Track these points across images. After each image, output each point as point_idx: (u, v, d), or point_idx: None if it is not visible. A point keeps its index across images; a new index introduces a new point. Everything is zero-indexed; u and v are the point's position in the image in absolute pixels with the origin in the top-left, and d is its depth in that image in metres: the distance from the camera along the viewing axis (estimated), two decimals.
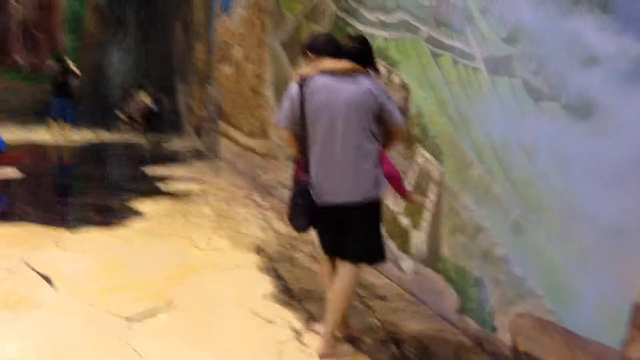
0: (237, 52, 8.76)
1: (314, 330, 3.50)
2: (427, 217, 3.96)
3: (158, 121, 13.76)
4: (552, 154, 2.84)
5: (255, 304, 3.87)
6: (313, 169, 3.03)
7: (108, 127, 12.81)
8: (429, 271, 3.92)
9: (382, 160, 3.09)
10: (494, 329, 3.21)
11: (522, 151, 3.03)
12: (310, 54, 3.17)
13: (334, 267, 3.21)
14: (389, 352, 3.35)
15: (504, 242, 3.16)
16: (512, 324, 3.08)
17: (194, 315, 3.67)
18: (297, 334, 3.48)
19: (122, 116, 14.33)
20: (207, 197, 6.95)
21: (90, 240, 5.00)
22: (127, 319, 3.53)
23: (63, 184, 8.06)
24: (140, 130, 13.08)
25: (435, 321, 3.75)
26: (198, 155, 10.18)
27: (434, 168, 3.88)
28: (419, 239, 4.03)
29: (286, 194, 6.69)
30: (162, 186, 7.37)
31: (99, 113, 14.35)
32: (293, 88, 3.06)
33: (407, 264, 4.17)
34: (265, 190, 7.32)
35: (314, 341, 3.36)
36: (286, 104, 3.09)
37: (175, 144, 11.40)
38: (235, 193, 7.24)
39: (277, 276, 4.41)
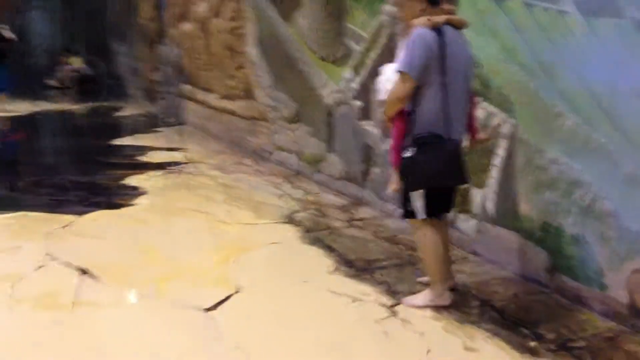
0: (201, 8, 8.12)
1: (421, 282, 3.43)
2: (494, 174, 3.75)
3: (94, 87, 12.77)
4: None
5: (326, 281, 3.59)
6: (458, 118, 2.96)
7: (37, 97, 11.69)
8: (500, 230, 3.75)
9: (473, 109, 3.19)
10: (603, 287, 3.08)
11: (635, 98, 2.84)
12: (416, 3, 2.91)
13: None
14: (488, 315, 3.17)
15: (613, 196, 3.00)
16: (629, 280, 2.95)
17: (270, 297, 3.36)
18: (391, 309, 3.23)
19: (52, 83, 13.19)
20: (197, 166, 6.48)
21: (103, 224, 4.50)
22: (203, 309, 3.14)
23: (31, 160, 7.21)
24: (75, 98, 12.07)
25: (518, 282, 3.59)
26: (157, 121, 9.50)
27: (501, 121, 3.66)
28: (484, 197, 3.82)
29: (284, 157, 6.36)
30: (143, 158, 6.81)
31: (25, 82, 13.11)
32: (430, 36, 2.79)
33: (468, 224, 3.97)
34: (257, 155, 6.92)
35: (412, 315, 3.12)
36: (420, 51, 2.78)
37: (125, 111, 10.60)
38: (224, 160, 6.80)
39: (327, 247, 4.12)
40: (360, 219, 4.75)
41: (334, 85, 5.41)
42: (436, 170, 2.89)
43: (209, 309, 3.18)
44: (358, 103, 5.10)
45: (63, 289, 3.34)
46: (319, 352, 2.78)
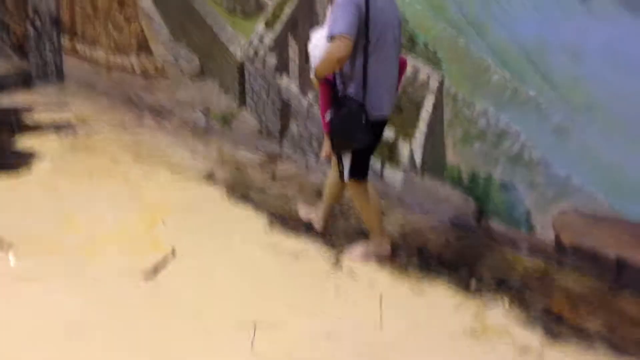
0: None
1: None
2: (422, 127, 3.88)
3: None
4: (603, 54, 2.90)
5: (264, 239, 3.55)
6: (377, 80, 2.91)
7: None
8: (428, 181, 3.90)
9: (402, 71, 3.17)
10: (531, 229, 3.33)
11: (564, 53, 3.05)
12: None
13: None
14: (427, 261, 3.33)
15: (542, 146, 3.22)
16: (555, 221, 3.21)
17: (210, 260, 3.28)
18: (335, 263, 3.27)
19: None
20: (93, 125, 6.05)
21: (5, 192, 4.10)
22: (142, 276, 3.00)
23: None
24: None
25: (448, 229, 3.78)
26: (31, 79, 8.70)
27: (428, 76, 3.77)
28: (412, 150, 3.95)
29: (189, 114, 6.13)
30: (27, 119, 6.23)
31: None
32: None
33: (395, 176, 4.10)
34: (156, 112, 6.59)
35: (356, 267, 3.20)
36: (353, 10, 2.74)
37: None
38: (121, 118, 6.41)
39: (255, 205, 4.06)
40: (283, 176, 4.72)
41: (244, 40, 5.24)
42: (344, 132, 2.92)
43: (148, 275, 3.02)
44: (273, 59, 4.99)
45: None
46: (278, 313, 2.76)
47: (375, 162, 4.23)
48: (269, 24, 4.98)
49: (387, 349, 2.50)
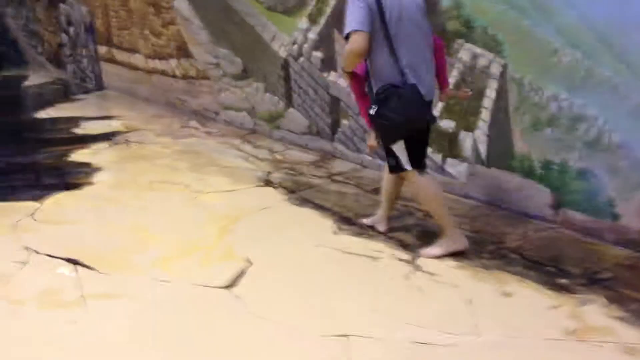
0: None
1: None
2: (485, 116, 3.77)
3: None
4: None
5: (335, 242, 3.50)
6: (412, 66, 2.93)
7: None
8: (495, 171, 3.79)
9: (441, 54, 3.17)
10: (616, 217, 3.21)
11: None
12: None
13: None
14: (508, 258, 3.23)
15: (621, 128, 3.09)
16: None
17: (286, 266, 3.24)
18: (412, 263, 3.20)
19: None
20: (142, 133, 6.09)
21: (71, 207, 4.14)
22: (224, 286, 2.98)
23: None
24: None
25: (522, 220, 3.67)
26: (72, 88, 8.80)
27: (489, 62, 3.65)
28: (475, 140, 3.85)
29: (234, 116, 6.10)
30: (78, 130, 6.30)
31: None
32: None
33: (458, 168, 4.00)
34: (200, 116, 6.60)
35: (436, 267, 3.13)
36: (361, 5, 2.82)
37: (32, 79, 9.73)
38: (169, 125, 6.43)
39: (319, 207, 4.03)
40: (339, 173, 4.67)
41: (287, 37, 5.17)
42: (401, 117, 2.94)
43: (229, 286, 3.00)
44: (319, 54, 4.92)
45: (62, 284, 3.05)
46: (367, 320, 2.70)
47: (434, 155, 4.14)
48: (312, 19, 4.89)
49: (487, 357, 2.43)
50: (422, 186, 3.17)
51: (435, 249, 3.27)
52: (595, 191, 3.28)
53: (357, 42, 2.81)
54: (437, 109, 3.99)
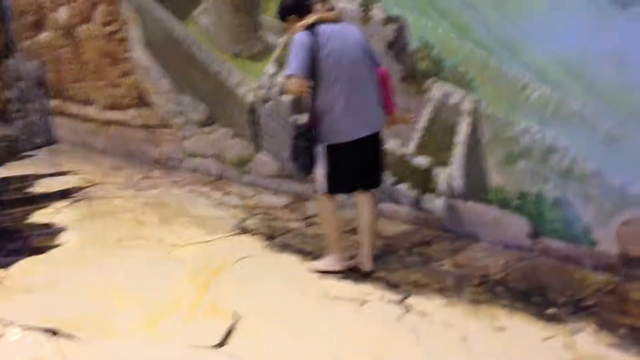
0: (62, 15, 7.38)
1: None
2: (459, 151, 3.84)
3: None
4: None
5: (322, 287, 3.45)
6: (337, 109, 3.19)
7: None
8: (472, 205, 3.85)
9: (385, 84, 3.37)
10: (593, 243, 3.28)
11: (607, 62, 3.04)
12: (292, 17, 3.31)
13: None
14: (494, 291, 3.26)
15: (593, 157, 3.19)
16: (618, 233, 3.17)
17: (276, 318, 3.16)
18: (402, 304, 3.19)
19: None
20: (103, 188, 5.93)
21: (40, 273, 3.96)
22: (213, 345, 2.88)
23: None
24: None
25: (502, 251, 3.73)
26: (21, 144, 8.52)
27: (461, 99, 3.74)
28: (450, 175, 3.90)
29: (199, 163, 6.03)
30: (35, 189, 6.08)
31: None
32: (306, 37, 3.15)
33: (434, 203, 4.04)
34: (163, 165, 6.48)
35: (426, 306, 3.13)
36: (302, 52, 3.11)
37: None
38: (130, 176, 6.29)
39: (300, 252, 3.97)
40: (315, 215, 4.63)
41: (254, 82, 5.18)
42: (296, 155, 3.35)
43: (220, 344, 2.91)
44: (287, 97, 4.93)
45: (44, 357, 2.87)
46: None
47: (410, 191, 4.18)
48: (279, 63, 4.92)
49: None
50: (326, 207, 3.48)
51: (319, 265, 3.62)
52: (572, 219, 3.36)
53: (293, 84, 3.14)
54: (411, 146, 4.04)
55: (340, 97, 3.18)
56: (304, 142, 3.28)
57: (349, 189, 3.46)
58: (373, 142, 3.34)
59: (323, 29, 3.19)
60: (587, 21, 3.09)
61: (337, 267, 3.54)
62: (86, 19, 6.95)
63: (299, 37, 3.17)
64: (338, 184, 3.37)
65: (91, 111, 7.51)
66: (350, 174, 3.35)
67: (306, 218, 4.60)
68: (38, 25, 7.89)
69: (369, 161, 3.37)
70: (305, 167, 3.35)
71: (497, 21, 3.46)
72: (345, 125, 3.21)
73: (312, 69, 3.14)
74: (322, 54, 3.14)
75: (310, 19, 3.23)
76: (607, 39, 3.01)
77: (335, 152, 3.27)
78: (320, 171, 3.36)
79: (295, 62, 3.13)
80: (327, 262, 3.57)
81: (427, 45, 3.81)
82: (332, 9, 4.00)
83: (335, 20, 3.31)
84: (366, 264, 3.53)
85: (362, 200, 3.46)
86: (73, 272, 3.90)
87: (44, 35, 7.87)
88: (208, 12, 5.37)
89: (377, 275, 3.53)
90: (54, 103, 8.23)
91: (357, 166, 3.34)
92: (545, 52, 3.26)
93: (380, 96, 3.33)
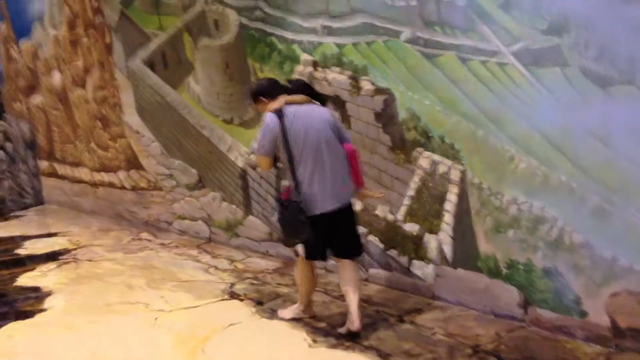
0: (56, 79, 7.50)
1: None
2: (448, 219, 3.90)
3: None
4: (631, 136, 2.99)
5: (313, 356, 3.44)
6: (306, 184, 3.42)
7: None
8: (462, 272, 3.88)
9: (353, 160, 3.57)
10: (583, 314, 3.31)
11: (591, 137, 3.15)
12: (263, 99, 3.60)
13: (313, 269, 3.73)
14: None
15: (582, 228, 3.26)
16: (608, 304, 3.20)
17: None
18: None
19: None
20: (91, 250, 5.89)
21: (25, 339, 3.90)
22: None
23: None
24: None
25: (493, 321, 3.73)
26: (9, 205, 8.46)
27: (449, 169, 3.83)
28: (440, 242, 3.95)
29: (188, 225, 6.03)
30: (22, 251, 6.03)
31: None
32: (272, 120, 3.44)
33: (425, 270, 4.07)
34: (152, 227, 6.47)
35: None
36: (268, 134, 3.43)
37: None
38: (119, 238, 6.27)
39: (290, 319, 3.93)
40: None
41: (244, 147, 5.27)
42: (289, 228, 3.52)
43: None
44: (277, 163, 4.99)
45: None
46: None
47: (400, 257, 4.21)
48: None
49: None
50: (303, 267, 3.72)
51: (287, 312, 3.92)
52: (562, 289, 3.39)
53: (260, 163, 3.55)
54: (400, 213, 4.10)
55: (308, 172, 3.41)
56: (283, 212, 3.48)
57: (325, 256, 3.63)
58: (345, 214, 3.52)
59: (289, 110, 3.44)
60: (568, 97, 3.21)
61: (302, 315, 3.85)
62: (79, 84, 7.06)
63: (267, 118, 3.46)
64: (314, 251, 3.59)
65: (80, 173, 7.53)
66: (325, 243, 3.55)
67: (294, 283, 4.56)
68: (31, 88, 7.99)
69: (343, 232, 3.56)
70: (289, 235, 3.58)
71: (482, 95, 3.57)
72: (315, 198, 3.41)
73: (284, 147, 3.40)
74: (289, 133, 3.39)
75: (280, 100, 3.50)
76: (588, 115, 3.13)
77: (311, 223, 3.42)
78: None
79: (262, 142, 3.46)
80: (294, 309, 3.87)
81: (415, 117, 3.92)
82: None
83: (302, 103, 3.52)
84: (355, 324, 3.55)
85: (343, 266, 3.60)
86: (58, 339, 3.84)
87: (36, 98, 7.96)
88: (201, 80, 5.50)
89: (368, 344, 3.51)
90: (43, 164, 8.24)
91: (331, 236, 3.53)
92: (530, 126, 3.38)
93: (349, 171, 3.53)
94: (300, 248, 3.63)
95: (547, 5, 3.24)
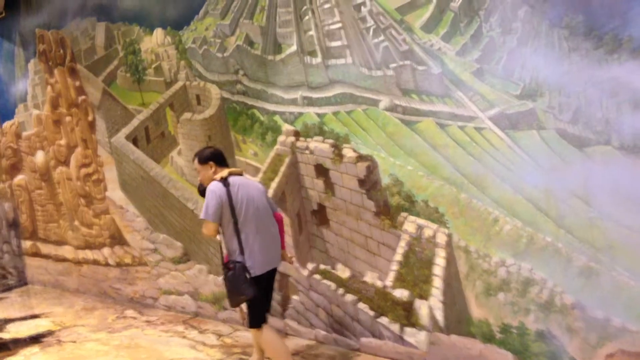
0: (39, 158, 7.51)
1: None
2: (437, 283, 3.87)
3: None
4: (612, 196, 3.03)
5: None
6: (249, 247, 3.65)
7: None
8: (455, 338, 3.82)
9: (282, 225, 3.95)
10: None
11: (573, 198, 3.18)
12: (210, 163, 3.85)
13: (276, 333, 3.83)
14: None
15: (572, 289, 3.24)
16: None
17: None
18: None
19: None
20: (75, 331, 5.73)
21: None
22: None
23: None
24: None
25: None
26: None
27: (434, 232, 3.83)
28: (431, 308, 3.90)
29: (173, 300, 5.92)
30: (3, 335, 5.85)
31: None
32: (219, 188, 3.67)
33: (417, 337, 4.00)
34: (137, 303, 6.34)
35: None
36: (214, 201, 3.63)
37: None
38: (103, 317, 6.12)
39: None
40: (296, 353, 4.52)
41: None
42: (234, 288, 3.61)
43: None
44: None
45: None
46: None
47: (392, 325, 4.14)
48: None
49: None
50: (265, 340, 3.78)
51: None
52: (557, 352, 3.34)
53: (206, 228, 3.70)
54: (389, 279, 4.06)
55: (251, 237, 3.67)
56: (228, 273, 3.64)
57: (266, 316, 3.84)
58: (273, 275, 3.84)
59: (233, 180, 3.73)
60: (547, 159, 3.26)
61: None
62: (63, 162, 7.06)
63: (214, 186, 3.68)
64: (260, 311, 3.79)
65: (63, 251, 7.42)
66: (264, 302, 3.81)
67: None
68: (14, 168, 7.97)
69: (270, 291, 3.90)
70: (235, 294, 3.65)
71: (463, 158, 3.61)
72: (256, 260, 3.66)
73: (231, 213, 3.64)
74: (234, 200, 3.66)
75: (224, 172, 3.77)
76: (569, 176, 3.17)
77: (258, 283, 3.64)
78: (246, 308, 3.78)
79: (208, 208, 3.64)
80: None
81: (398, 182, 3.95)
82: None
83: (239, 174, 3.84)
84: None
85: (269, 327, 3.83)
86: None
87: (20, 178, 7.93)
88: (184, 152, 5.53)
89: None
90: (26, 244, 8.13)
91: (266, 296, 3.82)
92: (513, 189, 3.41)
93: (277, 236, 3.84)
94: (249, 319, 3.76)
95: (518, 71, 3.33)
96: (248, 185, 3.81)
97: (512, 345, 3.54)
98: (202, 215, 3.65)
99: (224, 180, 3.71)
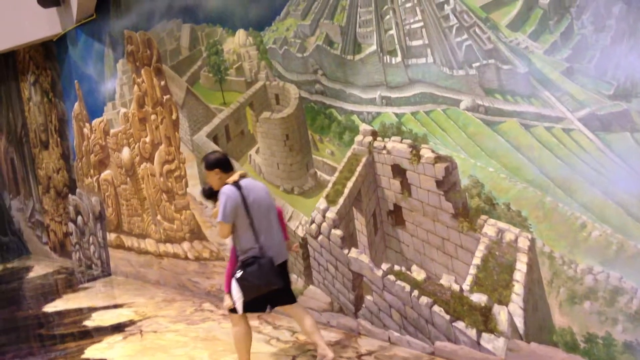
0: (124, 154, 7.83)
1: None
2: (517, 289, 3.75)
3: None
4: None
5: None
6: (266, 243, 3.99)
7: None
8: (535, 346, 3.69)
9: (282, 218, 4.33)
10: None
11: None
12: (217, 169, 4.09)
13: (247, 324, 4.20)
14: None
15: None
16: None
17: None
18: None
19: None
20: (155, 321, 5.95)
21: None
22: None
23: None
24: None
25: None
26: (79, 277, 8.75)
27: (516, 237, 3.71)
28: (511, 314, 3.79)
29: None
30: (89, 323, 6.14)
31: None
32: (233, 191, 3.96)
33: (495, 343, 3.89)
34: (214, 297, 6.50)
35: None
36: (229, 203, 3.92)
37: (36, 270, 9.69)
38: (182, 309, 6.31)
39: None
40: (368, 353, 4.51)
41: (305, 216, 5.29)
42: (256, 282, 3.87)
43: None
44: (338, 232, 4.99)
45: None
46: None
47: (468, 330, 4.05)
48: (330, 199, 5.03)
49: None
50: (239, 328, 4.18)
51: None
52: None
53: (221, 229, 4.03)
54: (466, 283, 3.98)
55: (264, 234, 3.99)
56: (272, 264, 3.94)
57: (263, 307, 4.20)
58: (286, 265, 4.18)
59: (245, 182, 4.03)
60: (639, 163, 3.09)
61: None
62: (147, 158, 7.35)
63: (229, 190, 3.95)
64: (255, 303, 4.08)
65: (146, 244, 7.72)
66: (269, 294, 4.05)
67: (359, 356, 4.47)
68: (102, 164, 8.37)
69: (288, 280, 4.21)
70: (280, 282, 3.98)
71: (549, 161, 3.49)
72: (270, 254, 3.96)
73: (246, 214, 3.94)
74: (248, 201, 3.96)
75: (235, 175, 4.05)
76: None
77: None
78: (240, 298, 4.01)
79: (222, 210, 3.92)
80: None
81: (478, 184, 3.86)
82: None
83: (246, 177, 4.13)
84: (328, 353, 4.08)
85: (296, 311, 4.25)
86: None
87: (106, 173, 8.31)
88: (261, 151, 5.63)
89: None
90: (111, 237, 8.51)
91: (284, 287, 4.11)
92: (603, 193, 3.26)
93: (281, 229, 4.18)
94: (240, 305, 3.98)
95: (612, 70, 3.18)
96: (255, 185, 4.13)
97: (596, 356, 3.39)
98: (219, 218, 3.93)
99: (236, 184, 3.98)
